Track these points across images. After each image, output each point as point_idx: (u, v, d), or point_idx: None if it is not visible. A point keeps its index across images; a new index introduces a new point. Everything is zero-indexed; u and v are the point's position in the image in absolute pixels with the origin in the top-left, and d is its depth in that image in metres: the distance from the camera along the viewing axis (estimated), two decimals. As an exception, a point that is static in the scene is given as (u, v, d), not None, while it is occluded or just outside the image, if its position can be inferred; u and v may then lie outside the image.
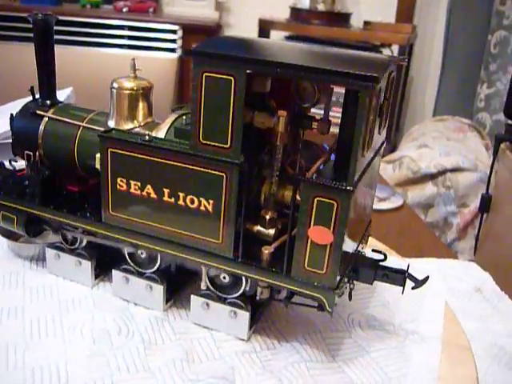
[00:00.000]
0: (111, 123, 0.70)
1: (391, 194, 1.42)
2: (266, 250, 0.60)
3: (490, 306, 0.92)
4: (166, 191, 0.61)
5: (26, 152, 0.72)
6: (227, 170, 0.57)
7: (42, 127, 0.73)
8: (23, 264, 0.79)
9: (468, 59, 2.23)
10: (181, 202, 0.60)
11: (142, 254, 0.69)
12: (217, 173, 0.57)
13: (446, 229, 1.74)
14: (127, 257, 0.70)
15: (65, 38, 2.05)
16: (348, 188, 0.52)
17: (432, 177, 1.72)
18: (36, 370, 0.58)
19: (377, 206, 1.31)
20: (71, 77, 2.03)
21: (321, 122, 0.61)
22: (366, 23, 2.16)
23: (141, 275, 0.70)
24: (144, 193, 0.62)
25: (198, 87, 0.55)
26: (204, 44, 0.57)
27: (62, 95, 1.19)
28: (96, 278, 0.75)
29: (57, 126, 0.72)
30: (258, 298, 0.63)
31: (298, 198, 0.61)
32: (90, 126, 0.70)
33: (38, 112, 0.73)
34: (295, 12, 2.24)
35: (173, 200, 0.61)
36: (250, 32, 2.27)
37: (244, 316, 0.65)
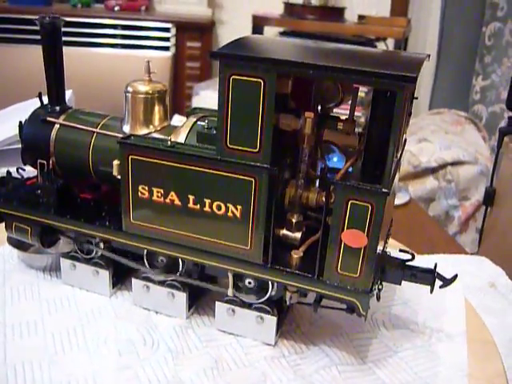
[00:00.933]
0: (126, 128, 0.68)
1: (398, 189, 1.42)
2: (296, 255, 0.59)
3: (506, 301, 0.92)
4: (191, 198, 0.59)
5: (40, 161, 0.70)
6: (256, 175, 0.55)
7: (53, 134, 0.71)
8: (36, 275, 0.77)
9: (463, 52, 2.24)
10: (207, 208, 0.59)
11: (162, 261, 0.68)
12: (245, 178, 0.56)
13: (447, 222, 1.74)
14: (147, 264, 0.68)
15: (56, 38, 2.01)
16: (384, 191, 0.51)
17: (433, 171, 1.72)
18: (64, 385, 0.57)
19: (384, 202, 1.30)
20: (65, 77, 2.00)
21: (346, 121, 0.60)
22: (361, 17, 2.15)
23: (162, 283, 0.68)
24: (167, 200, 0.60)
25: (225, 91, 0.53)
26: (229, 46, 0.55)
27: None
28: (113, 286, 0.73)
29: (69, 132, 0.70)
30: (287, 302, 0.62)
31: (323, 200, 0.60)
32: (104, 131, 0.68)
33: (49, 119, 0.71)
34: (289, 7, 2.22)
35: (198, 207, 0.59)
36: (244, 28, 2.25)
37: (271, 321, 0.64)
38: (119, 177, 0.63)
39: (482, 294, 0.92)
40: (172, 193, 0.60)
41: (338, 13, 2.21)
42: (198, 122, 0.65)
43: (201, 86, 1.94)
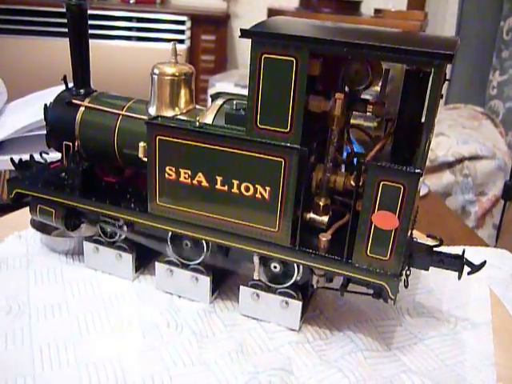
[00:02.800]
0: (152, 110, 0.68)
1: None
2: (324, 238, 0.58)
3: (529, 293, 0.91)
4: (219, 179, 0.59)
5: (65, 143, 0.70)
6: (286, 156, 0.55)
7: (78, 117, 0.70)
8: (59, 258, 0.77)
9: (480, 46, 2.21)
10: (235, 189, 0.58)
11: (186, 245, 0.68)
12: (275, 158, 0.55)
13: (463, 217, 1.72)
14: (171, 249, 0.68)
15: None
16: (417, 171, 0.51)
17: (450, 165, 1.70)
18: (90, 366, 0.57)
19: (402, 194, 1.29)
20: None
21: (375, 104, 0.59)
22: (377, 11, 2.14)
23: (185, 267, 0.68)
24: (195, 181, 0.60)
25: (256, 70, 0.53)
26: (261, 25, 0.55)
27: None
28: (136, 270, 0.73)
29: (94, 115, 0.70)
30: (314, 286, 0.61)
31: (352, 183, 0.59)
32: (129, 114, 0.68)
33: (74, 101, 0.71)
34: (305, 0, 2.21)
35: (226, 188, 0.59)
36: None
37: (296, 306, 0.63)
38: (145, 159, 0.62)
39: (504, 286, 0.91)
40: (200, 174, 0.59)
41: (354, 6, 2.19)
42: (225, 105, 0.65)
43: (216, 78, 1.94)
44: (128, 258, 0.71)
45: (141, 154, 0.63)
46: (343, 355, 0.62)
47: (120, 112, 0.69)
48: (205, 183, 0.60)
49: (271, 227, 0.58)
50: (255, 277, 0.64)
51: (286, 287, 0.64)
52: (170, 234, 0.67)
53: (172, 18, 2.15)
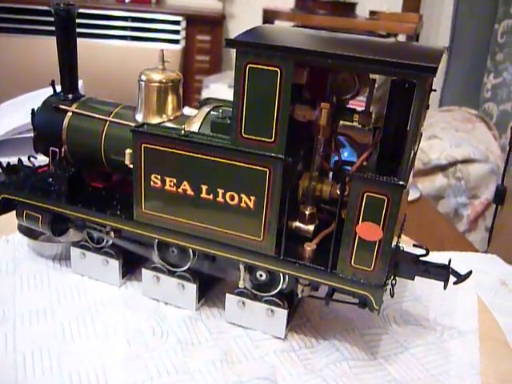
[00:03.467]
0: (139, 117, 0.67)
1: (409, 186, 1.40)
2: (309, 247, 0.58)
3: (517, 299, 0.91)
4: (204, 188, 0.59)
5: (52, 148, 0.70)
6: (271, 165, 0.55)
7: (66, 122, 0.70)
8: (46, 263, 0.77)
9: (474, 49, 2.21)
10: (220, 198, 0.58)
11: (173, 252, 0.67)
12: (259, 168, 0.55)
13: (456, 220, 1.73)
14: (157, 256, 0.68)
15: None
16: (401, 183, 0.51)
17: (442, 168, 1.71)
18: (73, 374, 0.57)
19: (394, 198, 1.29)
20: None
21: (362, 114, 0.59)
22: (372, 13, 2.13)
23: (172, 274, 0.68)
24: (180, 189, 0.60)
25: (241, 79, 0.53)
26: (246, 34, 0.54)
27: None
28: (123, 276, 0.73)
29: (82, 120, 0.70)
30: (299, 295, 0.61)
31: (337, 192, 0.59)
32: (117, 120, 0.68)
33: (62, 106, 0.71)
34: (300, 2, 2.21)
35: (211, 197, 0.59)
36: (254, 22, 2.23)
37: (282, 314, 0.63)
38: (131, 166, 0.62)
39: (493, 293, 0.91)
40: (185, 182, 0.59)
41: (349, 8, 2.19)
42: (212, 112, 0.64)
43: (211, 79, 1.93)
44: (115, 264, 0.71)
45: (127, 161, 0.63)
46: (328, 364, 0.61)
47: (107, 118, 0.68)
48: (190, 192, 0.59)
49: (256, 236, 0.58)
50: (240, 285, 0.63)
51: (272, 295, 0.64)
52: (156, 240, 0.67)
53: (167, 18, 2.14)
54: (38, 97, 1.00)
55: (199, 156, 0.57)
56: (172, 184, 0.60)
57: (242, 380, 0.58)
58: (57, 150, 0.69)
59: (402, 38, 2.12)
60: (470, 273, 0.63)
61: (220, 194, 0.58)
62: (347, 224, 0.54)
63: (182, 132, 0.59)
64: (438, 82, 2.45)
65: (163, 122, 0.66)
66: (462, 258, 1.03)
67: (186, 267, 0.67)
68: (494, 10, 2.13)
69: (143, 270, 0.69)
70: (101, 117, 0.69)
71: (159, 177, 0.60)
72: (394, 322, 0.71)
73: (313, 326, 0.68)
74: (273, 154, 0.54)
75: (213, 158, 0.57)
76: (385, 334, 0.69)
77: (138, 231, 0.65)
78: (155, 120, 0.66)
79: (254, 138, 0.55)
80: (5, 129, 1.06)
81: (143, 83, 0.66)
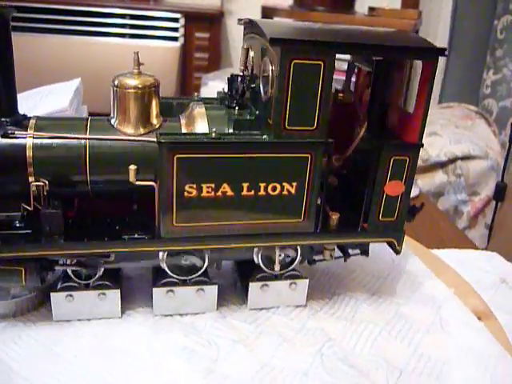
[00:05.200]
0: (126, 128, 0.61)
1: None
2: (334, 216, 0.64)
3: (518, 297, 0.91)
4: (245, 185, 0.59)
5: (35, 183, 0.58)
6: (313, 151, 0.58)
7: (29, 153, 0.57)
8: (15, 324, 0.63)
9: (474, 45, 2.21)
10: (261, 192, 0.60)
11: (185, 260, 0.65)
12: (302, 155, 0.59)
13: (456, 217, 1.73)
14: (167, 269, 0.64)
15: (66, 27, 1.99)
16: (419, 143, 0.62)
17: (442, 165, 1.71)
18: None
19: (394, 196, 1.29)
20: (73, 67, 1.99)
21: (344, 92, 0.70)
22: (371, 9, 2.12)
23: (186, 283, 0.66)
24: (219, 193, 0.59)
25: (286, 75, 0.55)
26: (282, 32, 0.57)
27: (70, 87, 1.14)
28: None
29: (50, 146, 0.58)
30: (328, 259, 0.69)
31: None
32: (98, 136, 0.59)
33: (18, 133, 0.57)
34: (299, -2, 2.20)
35: (252, 193, 0.60)
36: (253, 19, 2.23)
37: (304, 284, 0.69)
38: (138, 182, 0.58)
39: (493, 290, 0.92)
40: (224, 185, 0.59)
41: (348, 4, 2.18)
42: (213, 111, 0.63)
43: (209, 76, 1.93)
44: (114, 295, 0.64)
45: (132, 178, 0.57)
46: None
47: (85, 136, 0.59)
48: (230, 193, 0.59)
49: (297, 218, 0.62)
50: (276, 269, 0.66)
51: (291, 270, 0.69)
52: (165, 252, 0.63)
53: (166, 16, 2.14)
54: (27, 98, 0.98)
55: (238, 156, 0.58)
56: (210, 189, 0.59)
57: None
58: (40, 184, 0.58)
59: (401, 34, 2.12)
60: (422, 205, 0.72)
61: (262, 188, 0.60)
62: (376, 186, 0.63)
63: (213, 135, 0.57)
64: (437, 78, 2.44)
65: (153, 129, 0.62)
66: (462, 255, 1.03)
67: (203, 270, 0.66)
68: (494, 5, 2.13)
69: (154, 290, 0.65)
70: (77, 136, 0.58)
71: (195, 185, 0.58)
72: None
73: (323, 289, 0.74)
74: (315, 140, 0.58)
75: (254, 155, 0.58)
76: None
77: (169, 248, 0.61)
78: (144, 129, 0.61)
79: (297, 128, 0.58)
80: None
81: (120, 90, 0.60)
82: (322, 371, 0.59)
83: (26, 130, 0.58)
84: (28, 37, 1.97)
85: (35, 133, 0.58)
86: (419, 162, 1.81)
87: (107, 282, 0.65)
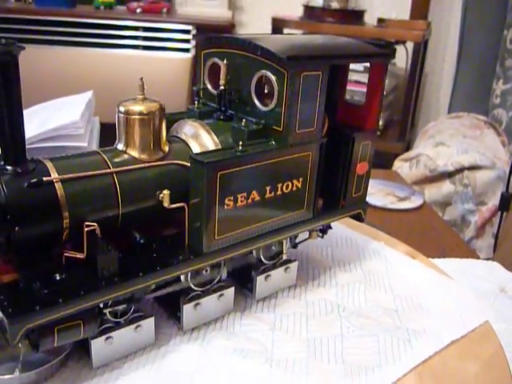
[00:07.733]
0: (139, 155, 0.61)
1: (411, 193, 1.42)
2: (320, 201, 0.75)
3: (517, 307, 0.92)
4: (268, 188, 0.65)
5: (87, 228, 0.54)
6: (313, 149, 0.68)
7: (61, 194, 0.54)
8: None
9: (483, 55, 2.21)
10: (279, 192, 0.66)
11: (206, 271, 0.66)
12: (305, 153, 0.67)
13: (463, 227, 1.73)
14: (192, 285, 0.65)
15: (79, 39, 2.06)
16: (375, 129, 0.77)
17: (449, 175, 1.71)
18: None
19: (397, 205, 1.31)
20: (86, 78, 2.04)
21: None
22: (380, 20, 2.15)
23: (209, 292, 0.67)
24: (250, 200, 0.63)
25: (297, 86, 0.63)
26: (284, 49, 0.64)
27: (82, 100, 1.18)
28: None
29: (77, 185, 0.56)
30: (313, 239, 0.78)
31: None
32: (123, 168, 0.59)
33: (46, 178, 0.53)
34: (308, 10, 2.24)
35: (273, 194, 0.66)
36: (264, 31, 2.27)
37: (295, 266, 0.77)
38: (172, 206, 0.58)
39: (491, 299, 0.93)
40: (253, 192, 0.63)
41: (357, 16, 2.21)
42: (219, 126, 0.67)
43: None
44: (150, 322, 0.63)
45: (166, 203, 0.58)
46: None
47: (111, 170, 0.58)
48: (257, 198, 0.64)
49: (301, 208, 0.70)
50: (284, 257, 0.75)
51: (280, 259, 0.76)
52: (189, 272, 0.63)
53: (178, 28, 2.18)
54: (50, 107, 1.02)
55: (263, 163, 0.63)
56: (243, 199, 0.62)
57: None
58: (95, 227, 0.55)
59: (410, 45, 2.13)
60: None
61: (279, 188, 0.66)
62: (351, 167, 0.75)
63: (240, 148, 0.61)
64: (446, 88, 2.45)
65: (167, 153, 0.62)
66: (463, 264, 1.04)
67: (224, 276, 0.68)
68: (503, 15, 2.13)
69: (185, 306, 0.65)
70: (103, 171, 0.58)
71: (232, 197, 0.61)
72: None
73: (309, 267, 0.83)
74: (315, 139, 0.68)
75: (274, 160, 0.64)
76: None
77: (212, 261, 0.63)
78: (158, 154, 0.62)
79: (303, 131, 0.66)
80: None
81: (126, 116, 0.60)
82: (352, 330, 0.69)
83: (49, 175, 0.54)
84: (41, 49, 2.04)
85: (61, 176, 0.54)
86: (426, 172, 1.82)
87: (141, 313, 0.62)
